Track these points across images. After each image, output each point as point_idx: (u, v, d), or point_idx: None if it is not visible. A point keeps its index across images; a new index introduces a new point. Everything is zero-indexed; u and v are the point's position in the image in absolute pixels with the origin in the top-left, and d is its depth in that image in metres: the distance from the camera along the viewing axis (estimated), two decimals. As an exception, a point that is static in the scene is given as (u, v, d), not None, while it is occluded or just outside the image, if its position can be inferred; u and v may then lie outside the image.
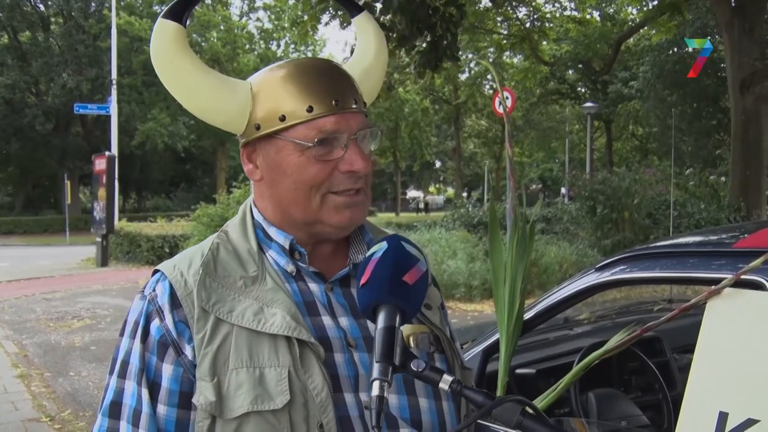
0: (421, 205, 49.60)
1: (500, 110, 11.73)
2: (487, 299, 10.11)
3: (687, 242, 2.07)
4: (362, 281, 1.04)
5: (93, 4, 34.99)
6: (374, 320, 1.01)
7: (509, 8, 19.54)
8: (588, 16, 26.02)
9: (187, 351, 1.08)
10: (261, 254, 1.18)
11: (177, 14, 1.16)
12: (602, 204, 11.94)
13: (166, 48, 1.16)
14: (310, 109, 1.11)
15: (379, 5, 8.90)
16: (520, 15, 21.06)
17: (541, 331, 2.84)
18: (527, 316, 2.00)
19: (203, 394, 1.05)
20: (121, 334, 1.14)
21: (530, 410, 0.94)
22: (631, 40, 25.01)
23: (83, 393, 6.38)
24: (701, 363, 1.28)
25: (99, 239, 17.84)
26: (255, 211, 1.22)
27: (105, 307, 10.98)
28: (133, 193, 45.54)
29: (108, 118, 25.14)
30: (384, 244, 1.07)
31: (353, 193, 1.15)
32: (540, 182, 51.94)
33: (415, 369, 0.96)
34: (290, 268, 1.17)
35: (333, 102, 1.12)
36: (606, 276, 1.90)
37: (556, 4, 24.83)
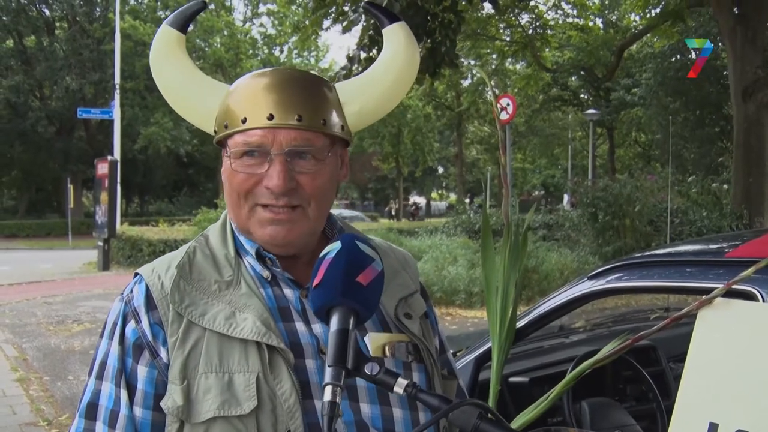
0: (393, 212, 47.41)
1: (501, 117, 11.73)
2: (488, 306, 10.09)
3: (681, 251, 2.06)
4: (315, 282, 1.02)
5: (98, 9, 35.06)
6: (327, 322, 0.99)
7: (512, 15, 19.56)
8: (590, 23, 26.07)
9: (162, 353, 1.09)
10: (238, 259, 1.18)
11: (182, 24, 1.23)
12: (603, 211, 11.92)
13: (169, 54, 1.22)
14: (244, 120, 1.13)
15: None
16: (523, 22, 21.10)
17: (535, 339, 2.83)
18: (520, 324, 1.99)
19: (172, 397, 1.06)
20: (101, 336, 1.16)
21: (488, 414, 0.93)
22: (634, 47, 25.00)
23: (81, 397, 6.37)
24: (692, 373, 1.27)
25: (101, 243, 17.86)
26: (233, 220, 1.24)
27: (105, 312, 10.85)
28: (136, 197, 45.58)
29: (111, 122, 25.16)
30: (337, 244, 1.06)
31: (278, 210, 1.14)
32: (542, 189, 51.87)
33: (368, 373, 0.95)
34: (266, 273, 1.18)
35: (267, 116, 1.12)
36: (598, 285, 1.89)
37: (559, 11, 24.89)
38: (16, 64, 33.03)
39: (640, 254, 2.04)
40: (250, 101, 1.14)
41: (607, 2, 28.65)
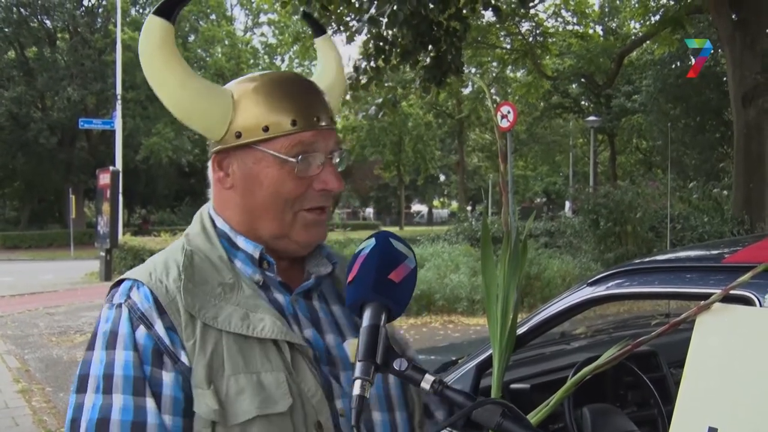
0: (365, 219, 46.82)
1: (501, 125, 11.75)
2: (490, 313, 10.08)
3: (681, 257, 2.07)
4: (349, 278, 1.06)
5: (99, 20, 35.23)
6: (361, 317, 1.02)
7: (512, 23, 19.62)
8: (590, 31, 26.14)
9: (183, 357, 1.05)
10: (231, 263, 1.16)
11: (167, 11, 1.14)
12: (605, 217, 11.93)
13: (156, 46, 1.14)
14: (294, 123, 1.12)
15: (384, 19, 8.90)
16: (523, 30, 21.15)
17: (537, 345, 2.83)
18: (520, 331, 1.99)
19: (204, 402, 1.03)
20: (91, 348, 1.08)
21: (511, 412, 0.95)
22: (634, 54, 25.06)
23: (84, 408, 6.37)
24: (691, 378, 1.28)
25: (103, 254, 17.86)
26: (218, 219, 1.20)
27: (108, 322, 10.94)
28: (138, 207, 45.62)
29: (113, 132, 25.23)
30: (372, 241, 1.09)
31: (320, 212, 1.17)
32: (544, 196, 51.86)
33: (397, 368, 0.96)
34: (257, 277, 1.16)
35: (314, 118, 1.14)
36: (599, 291, 1.90)
37: (559, 19, 24.96)
38: (18, 75, 33.14)
39: (639, 260, 2.04)
40: (294, 103, 1.13)
41: (606, 10, 28.74)
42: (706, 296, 1.31)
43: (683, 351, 1.32)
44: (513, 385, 2.39)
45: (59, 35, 35.38)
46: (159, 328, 1.05)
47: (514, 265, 1.84)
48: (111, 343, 1.06)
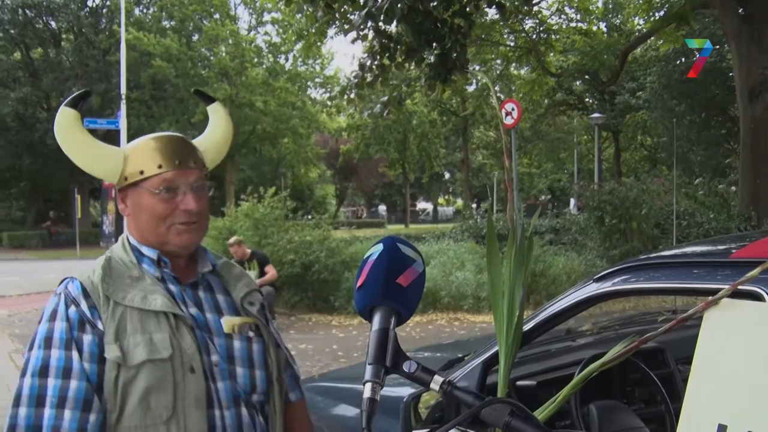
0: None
1: (506, 122, 11.73)
2: (496, 311, 10.07)
3: (688, 252, 2.06)
4: (358, 284, 1.10)
5: (103, 20, 35.27)
6: (371, 321, 1.05)
7: (516, 20, 19.58)
8: (594, 28, 26.04)
9: (99, 325, 1.52)
10: (139, 265, 1.63)
11: (75, 104, 1.67)
12: (610, 214, 11.89)
13: (69, 128, 1.65)
14: (159, 166, 1.61)
15: (382, 15, 8.87)
16: (527, 27, 21.11)
17: (543, 342, 2.83)
18: (526, 327, 1.99)
19: (112, 351, 1.49)
20: (40, 322, 1.55)
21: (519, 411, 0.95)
22: (638, 50, 24.92)
23: (91, 407, 6.36)
24: (699, 374, 1.27)
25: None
26: (131, 237, 1.69)
27: (114, 321, 10.95)
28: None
29: (117, 132, 25.27)
30: (380, 246, 1.13)
31: (190, 223, 1.63)
32: (549, 193, 51.79)
33: (406, 370, 0.97)
34: (157, 274, 1.64)
35: (176, 162, 1.62)
36: (605, 287, 1.89)
37: (563, 16, 24.88)
38: (23, 76, 33.23)
39: (646, 256, 2.03)
40: (160, 153, 1.62)
41: (610, 6, 28.64)
42: (714, 292, 1.30)
43: (691, 347, 1.30)
44: (519, 382, 2.39)
45: (64, 36, 35.42)
46: (84, 306, 1.53)
47: (519, 262, 1.84)
48: (52, 317, 1.54)
